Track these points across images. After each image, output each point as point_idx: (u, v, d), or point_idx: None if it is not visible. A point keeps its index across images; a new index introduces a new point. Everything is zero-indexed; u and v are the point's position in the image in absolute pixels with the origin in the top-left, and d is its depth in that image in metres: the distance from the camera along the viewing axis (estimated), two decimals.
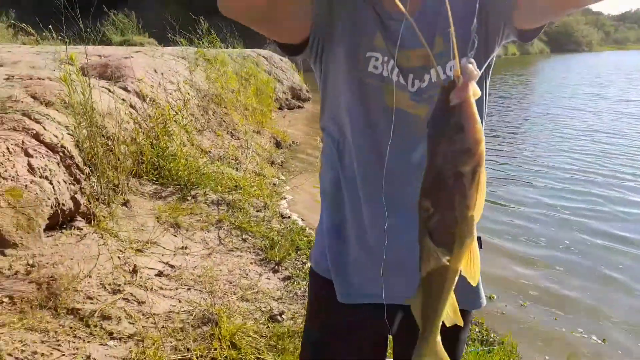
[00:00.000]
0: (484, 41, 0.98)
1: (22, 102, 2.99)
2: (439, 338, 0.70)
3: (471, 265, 0.58)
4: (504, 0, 0.88)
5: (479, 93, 0.52)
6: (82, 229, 2.56)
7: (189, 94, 6.07)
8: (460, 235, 0.54)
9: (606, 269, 3.56)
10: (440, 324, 0.68)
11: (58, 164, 2.57)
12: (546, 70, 27.05)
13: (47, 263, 2.13)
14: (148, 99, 4.73)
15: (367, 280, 1.08)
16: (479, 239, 1.17)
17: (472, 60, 0.52)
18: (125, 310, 2.06)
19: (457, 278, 0.61)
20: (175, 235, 3.15)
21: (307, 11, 0.94)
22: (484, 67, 1.04)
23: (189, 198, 3.82)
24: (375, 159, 1.02)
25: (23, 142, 2.44)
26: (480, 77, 1.03)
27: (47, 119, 2.82)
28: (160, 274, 2.55)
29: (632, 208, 4.75)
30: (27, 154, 2.42)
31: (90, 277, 2.20)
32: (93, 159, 2.91)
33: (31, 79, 3.86)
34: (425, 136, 0.98)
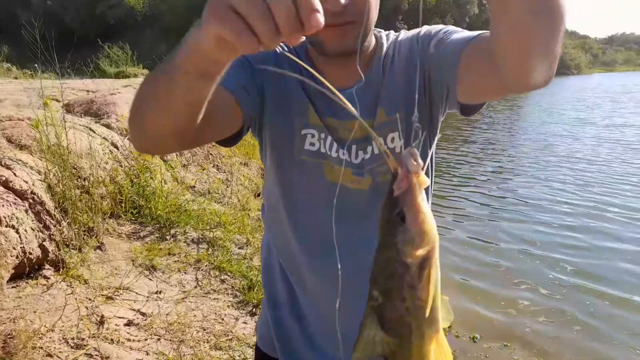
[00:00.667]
0: (428, 107, 0.97)
1: None
2: None
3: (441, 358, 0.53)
4: (446, 70, 0.86)
5: (427, 182, 0.50)
6: (49, 278, 2.50)
7: None
8: (418, 327, 0.51)
9: (584, 311, 3.48)
10: None
11: (26, 211, 2.53)
12: (535, 94, 27.49)
13: (8, 318, 2.06)
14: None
15: None
16: None
17: (414, 150, 0.50)
18: None
19: None
20: (150, 279, 3.08)
21: (234, 110, 0.87)
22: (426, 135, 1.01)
23: (168, 237, 3.76)
24: (318, 237, 0.98)
25: None
26: (424, 144, 1.03)
27: (19, 164, 2.79)
28: (129, 323, 2.48)
29: (607, 242, 4.69)
30: None
31: (53, 331, 2.13)
32: (64, 204, 2.86)
33: (10, 119, 3.84)
34: (368, 211, 0.96)
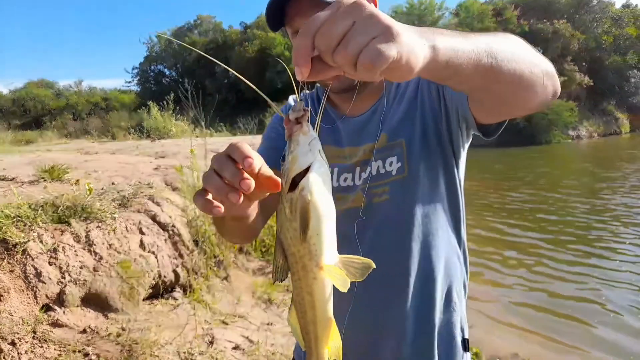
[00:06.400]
0: (447, 131, 1.03)
1: (154, 187, 3.64)
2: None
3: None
4: (459, 101, 0.93)
5: (307, 131, 0.57)
6: (177, 299, 2.89)
7: None
8: (300, 257, 0.56)
9: None
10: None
11: (165, 240, 3.01)
12: None
13: (138, 328, 2.45)
14: None
15: None
16: (466, 341, 1.07)
17: (299, 104, 0.59)
18: None
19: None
20: (265, 311, 3.31)
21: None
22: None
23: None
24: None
25: (140, 222, 2.95)
26: (447, 165, 1.04)
27: (167, 202, 3.36)
28: (236, 347, 2.70)
29: None
30: (141, 232, 2.90)
31: (170, 344, 2.45)
32: (199, 237, 3.32)
33: (173, 167, 4.67)
34: (360, 226, 1.00)
